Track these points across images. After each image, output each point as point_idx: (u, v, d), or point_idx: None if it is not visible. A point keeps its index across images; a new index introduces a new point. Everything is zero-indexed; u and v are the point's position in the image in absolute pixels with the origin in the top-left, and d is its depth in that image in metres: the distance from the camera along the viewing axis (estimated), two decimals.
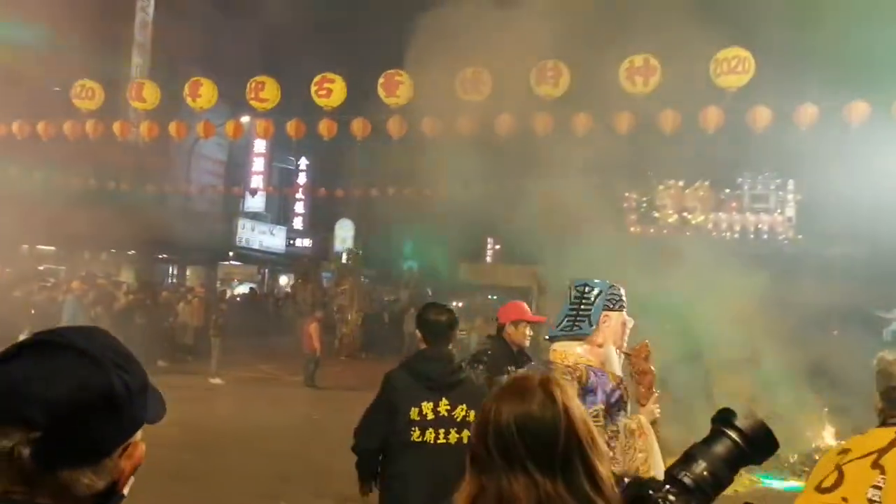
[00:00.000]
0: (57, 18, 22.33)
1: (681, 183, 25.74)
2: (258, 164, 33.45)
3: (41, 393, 1.10)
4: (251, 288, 33.25)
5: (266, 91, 12.48)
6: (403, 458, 3.76)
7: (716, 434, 1.57)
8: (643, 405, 3.41)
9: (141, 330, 17.32)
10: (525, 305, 5.17)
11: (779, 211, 26.00)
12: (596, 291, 3.32)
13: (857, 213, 20.53)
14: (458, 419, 3.78)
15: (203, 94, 12.84)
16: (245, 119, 16.09)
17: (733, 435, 1.55)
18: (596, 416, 2.99)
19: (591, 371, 3.14)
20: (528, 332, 5.06)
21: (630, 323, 3.48)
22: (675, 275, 12.52)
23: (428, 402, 3.76)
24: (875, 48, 13.38)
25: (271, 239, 35.09)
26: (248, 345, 19.49)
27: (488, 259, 40.07)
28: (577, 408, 1.45)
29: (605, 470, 1.42)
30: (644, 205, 25.94)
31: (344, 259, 24.81)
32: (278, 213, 36.49)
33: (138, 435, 1.23)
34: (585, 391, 3.06)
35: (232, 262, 33.86)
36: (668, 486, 1.45)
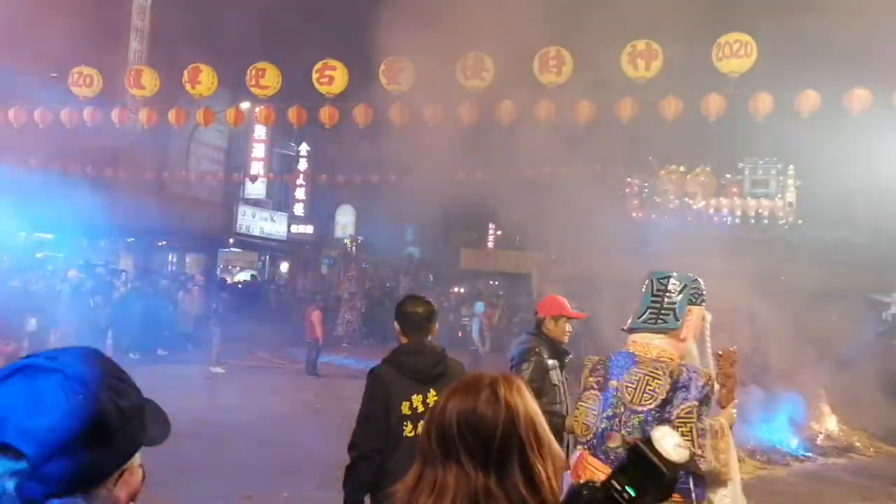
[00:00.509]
0: (54, 3, 22.22)
1: (682, 168, 25.68)
2: (258, 151, 33.32)
3: (25, 421, 1.05)
4: (251, 275, 33.24)
5: (267, 78, 12.42)
6: (396, 454, 3.67)
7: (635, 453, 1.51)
8: (723, 407, 3.40)
9: (140, 318, 17.33)
10: (564, 300, 5.07)
11: (779, 196, 25.93)
12: (680, 285, 3.29)
13: (857, 198, 20.53)
14: None
15: (203, 80, 12.77)
16: (245, 106, 16.03)
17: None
18: (689, 412, 2.98)
19: (683, 367, 3.12)
20: (568, 327, 5.00)
21: (709, 317, 3.47)
22: (675, 258, 12.54)
23: (417, 395, 3.74)
24: (876, 36, 13.33)
25: (272, 225, 35.02)
26: (249, 332, 19.53)
27: (490, 245, 40.11)
28: (523, 406, 1.45)
29: (546, 470, 1.43)
30: (646, 190, 25.89)
31: (348, 245, 24.79)
32: (279, 199, 36.40)
33: (136, 459, 1.19)
34: (677, 387, 3.04)
35: (232, 249, 33.79)
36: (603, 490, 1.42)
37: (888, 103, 10.62)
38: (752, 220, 25.02)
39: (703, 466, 2.99)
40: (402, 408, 3.71)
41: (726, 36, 10.46)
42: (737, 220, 25.05)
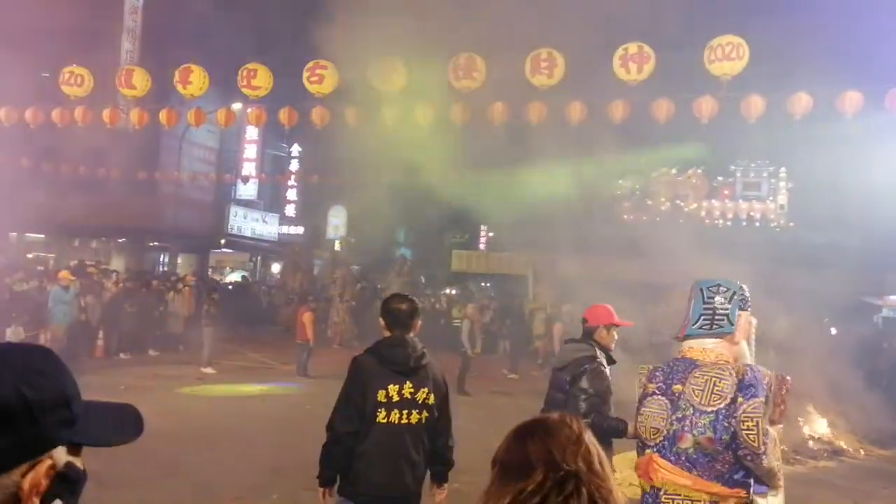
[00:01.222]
0: (45, 4, 22.12)
1: (674, 170, 25.77)
2: (250, 152, 33.27)
3: None
4: (243, 276, 33.15)
5: (258, 78, 12.39)
6: (368, 437, 3.97)
7: None
8: (772, 424, 3.57)
9: (131, 318, 17.26)
10: (612, 308, 5.14)
11: (771, 198, 26.04)
12: (730, 292, 3.45)
13: (849, 201, 20.61)
14: (420, 401, 4.05)
15: (194, 81, 12.73)
16: (237, 106, 15.98)
17: None
18: (756, 407, 3.12)
19: (748, 367, 3.27)
20: (615, 335, 5.09)
21: (754, 321, 3.69)
22: (667, 260, 12.58)
23: (394, 384, 4.01)
24: (869, 39, 13.38)
25: (263, 226, 34.97)
26: (240, 333, 19.45)
27: (482, 247, 40.09)
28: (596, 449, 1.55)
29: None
30: (637, 192, 25.95)
31: (336, 247, 24.75)
32: (270, 200, 36.36)
33: (59, 454, 1.16)
34: (743, 385, 3.17)
35: (223, 250, 33.73)
36: None
37: (880, 106, 10.65)
38: (744, 223, 25.12)
39: (765, 463, 3.14)
40: (378, 395, 3.97)
41: (718, 38, 10.47)
42: (728, 223, 25.15)
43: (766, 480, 3.33)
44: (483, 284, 33.04)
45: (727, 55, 10.38)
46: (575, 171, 23.36)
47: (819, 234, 22.49)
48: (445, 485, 4.31)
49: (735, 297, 3.44)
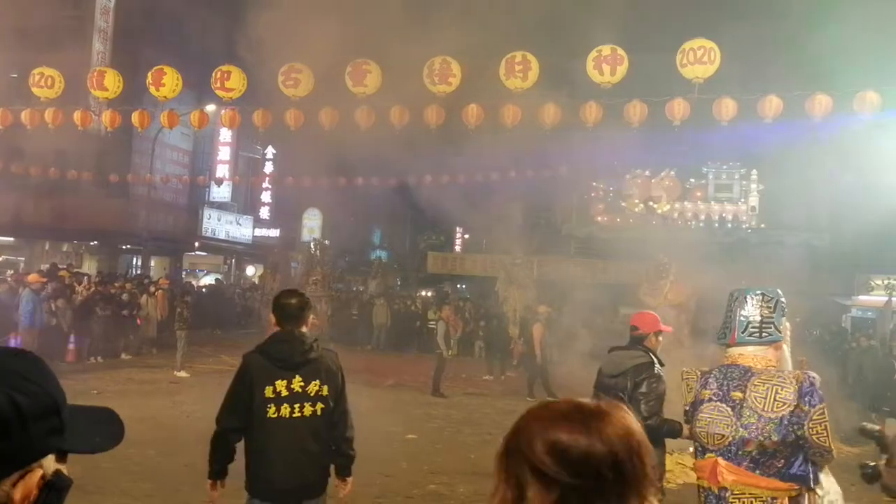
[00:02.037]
0: (14, 3, 21.83)
1: (647, 172, 25.98)
2: (224, 154, 33.06)
3: None
4: (217, 279, 32.92)
5: (232, 80, 12.32)
6: (262, 434, 4.06)
7: None
8: None
9: (103, 322, 17.07)
10: (657, 315, 5.58)
11: (742, 200, 26.35)
12: (773, 300, 3.65)
13: (818, 202, 20.91)
14: (312, 394, 4.10)
15: (167, 82, 12.63)
16: (210, 108, 15.89)
17: None
18: (822, 412, 3.35)
19: (805, 375, 3.48)
20: (661, 340, 5.42)
21: (789, 327, 3.87)
22: (641, 262, 12.73)
23: (282, 380, 4.07)
24: (837, 44, 13.59)
25: (237, 229, 34.75)
26: (214, 336, 19.30)
27: (457, 248, 40.15)
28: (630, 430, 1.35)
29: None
30: (611, 194, 26.14)
31: (312, 249, 24.67)
32: (245, 202, 36.14)
33: (48, 462, 1.14)
34: (803, 392, 3.38)
35: (197, 253, 33.46)
36: None
37: (848, 108, 10.81)
38: (716, 224, 25.39)
39: (830, 459, 3.47)
40: (265, 391, 4.05)
41: (690, 42, 10.58)
42: (701, 224, 25.40)
43: (822, 469, 3.64)
44: (458, 286, 33.10)
45: (699, 59, 10.49)
46: (550, 171, 23.50)
47: (789, 234, 22.78)
48: (349, 478, 4.35)
49: (778, 305, 3.63)
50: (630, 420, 1.32)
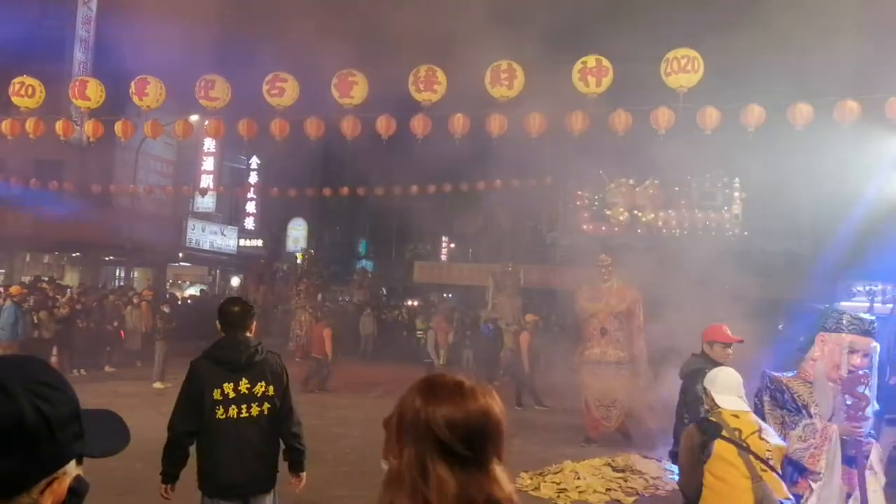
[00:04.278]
0: None
1: (631, 181, 26.09)
2: (208, 164, 32.91)
3: None
4: (202, 289, 32.72)
5: (216, 89, 12.26)
6: (212, 435, 4.27)
7: None
8: None
9: (86, 335, 16.92)
10: (725, 328, 5.76)
11: (726, 208, 26.50)
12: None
13: (800, 210, 21.08)
14: (259, 394, 4.32)
15: (150, 92, 12.55)
16: (194, 118, 15.80)
17: None
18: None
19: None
20: (729, 350, 5.64)
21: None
22: (628, 272, 12.74)
23: (228, 382, 4.29)
24: (818, 53, 13.73)
25: (222, 239, 34.57)
26: (199, 348, 19.14)
27: (443, 258, 40.15)
28: (498, 407, 1.66)
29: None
30: (596, 202, 26.22)
31: (298, 259, 24.60)
32: (229, 213, 35.98)
33: (72, 469, 1.14)
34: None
35: (181, 264, 33.26)
36: None
37: (829, 117, 10.92)
38: (700, 232, 25.50)
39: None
40: (214, 393, 4.27)
41: (674, 51, 10.66)
42: (685, 232, 25.51)
43: None
44: (445, 295, 33.07)
45: (683, 68, 10.58)
46: (536, 180, 23.57)
47: (772, 242, 22.94)
48: (302, 473, 4.58)
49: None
50: (489, 397, 1.64)
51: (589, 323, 11.77)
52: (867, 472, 4.41)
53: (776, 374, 4.71)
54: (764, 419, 4.37)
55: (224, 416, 4.24)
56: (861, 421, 4.31)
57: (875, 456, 4.45)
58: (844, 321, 4.39)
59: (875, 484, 4.43)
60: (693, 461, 3.97)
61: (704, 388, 4.25)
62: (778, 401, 4.59)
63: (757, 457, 3.82)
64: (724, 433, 3.89)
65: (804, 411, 4.46)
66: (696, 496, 3.94)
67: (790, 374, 4.64)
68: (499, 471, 1.61)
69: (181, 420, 4.37)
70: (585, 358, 11.78)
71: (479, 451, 1.58)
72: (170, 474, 4.47)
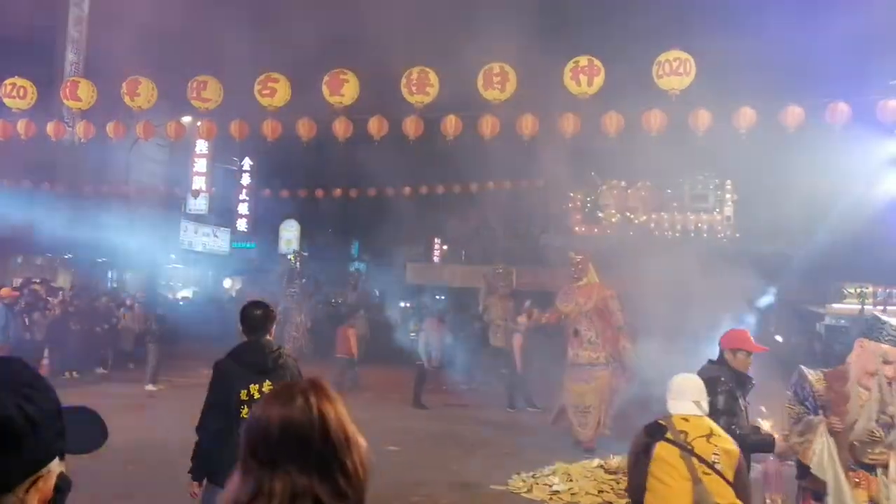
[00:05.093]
0: None
1: (623, 183, 26.14)
2: (200, 165, 32.82)
3: None
4: (194, 291, 32.67)
5: (208, 90, 12.23)
6: (234, 433, 4.25)
7: None
8: None
9: (78, 337, 16.86)
10: (748, 334, 5.39)
11: (717, 210, 26.57)
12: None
13: (792, 212, 21.14)
14: None
15: (142, 93, 12.50)
16: (186, 119, 15.77)
17: None
18: None
19: None
20: (751, 359, 5.22)
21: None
22: (622, 273, 12.75)
23: (254, 384, 4.42)
24: (809, 56, 13.79)
25: (214, 241, 34.52)
26: (192, 349, 19.08)
27: (435, 259, 40.11)
28: (333, 411, 1.59)
29: (355, 463, 1.57)
30: (588, 204, 26.26)
31: (291, 261, 24.56)
32: (222, 214, 35.90)
33: (55, 467, 1.15)
34: None
35: (174, 265, 33.20)
36: None
37: (821, 119, 10.97)
38: (692, 234, 25.57)
39: None
40: (241, 394, 4.40)
41: (666, 54, 10.68)
42: (677, 234, 25.56)
43: None
44: (437, 297, 33.04)
45: (675, 70, 10.58)
46: (529, 182, 23.59)
47: (764, 244, 23.00)
48: None
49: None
50: (311, 398, 1.58)
51: (565, 325, 11.60)
52: (890, 483, 4.39)
53: (809, 370, 4.81)
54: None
55: (246, 428, 4.31)
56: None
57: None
58: (885, 330, 4.46)
59: None
60: (636, 463, 3.98)
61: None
62: (799, 396, 4.76)
63: (701, 460, 3.79)
64: (668, 435, 3.88)
65: (820, 412, 4.57)
66: (640, 498, 3.94)
67: (823, 371, 4.77)
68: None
69: (212, 420, 4.48)
70: (567, 361, 11.62)
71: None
72: (200, 473, 4.53)
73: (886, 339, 4.39)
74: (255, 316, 4.63)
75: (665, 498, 3.81)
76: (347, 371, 16.38)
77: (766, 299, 15.99)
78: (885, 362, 4.38)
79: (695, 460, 3.78)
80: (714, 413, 4.79)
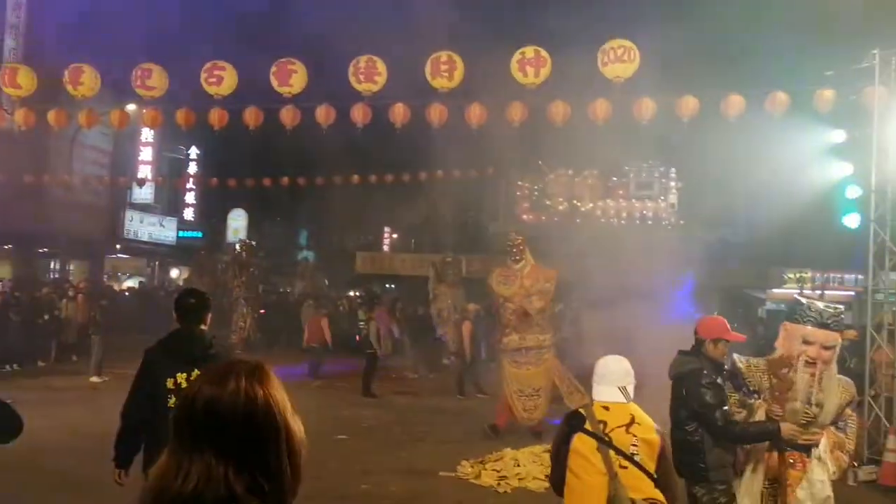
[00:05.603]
0: None
1: (570, 171, 26.47)
2: (146, 154, 32.17)
3: None
4: (140, 281, 32.10)
5: (153, 78, 12.01)
6: (163, 424, 4.22)
7: None
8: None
9: (18, 329, 16.48)
10: (725, 322, 5.16)
11: (662, 198, 27.06)
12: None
13: (734, 199, 21.63)
14: None
15: (85, 81, 12.22)
16: (131, 107, 15.45)
17: None
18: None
19: None
20: (724, 348, 5.02)
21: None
22: (565, 260, 12.94)
23: (182, 373, 4.38)
24: (749, 46, 14.12)
25: (161, 231, 33.92)
26: (138, 340, 18.79)
27: (385, 248, 40.06)
28: (265, 396, 1.49)
29: (282, 457, 1.47)
30: (536, 193, 26.52)
31: (237, 250, 24.28)
32: (168, 204, 35.29)
33: None
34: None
35: (119, 256, 32.57)
36: None
37: (760, 108, 11.24)
38: (638, 221, 26.01)
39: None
40: (167, 383, 4.39)
41: (610, 42, 10.83)
42: (623, 222, 25.99)
43: None
44: (387, 286, 33.03)
45: (619, 58, 10.75)
46: (477, 171, 23.69)
47: (708, 230, 23.52)
48: None
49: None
50: (243, 381, 1.49)
51: (505, 308, 11.22)
52: (813, 461, 4.52)
53: (740, 357, 4.90)
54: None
55: (175, 406, 4.31)
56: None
57: (824, 444, 4.55)
58: (806, 313, 4.52)
59: (822, 473, 4.51)
60: (557, 454, 3.86)
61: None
62: (735, 384, 4.85)
63: (619, 451, 3.63)
64: (587, 426, 3.70)
65: (755, 395, 4.70)
66: (562, 491, 3.82)
67: (757, 359, 4.80)
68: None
69: (135, 408, 4.48)
70: (504, 346, 11.28)
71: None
72: (124, 460, 4.54)
73: (807, 320, 4.50)
74: (188, 304, 4.62)
75: (580, 494, 3.69)
76: (323, 359, 17.04)
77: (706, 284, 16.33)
78: (806, 342, 4.48)
79: (612, 452, 3.63)
80: (706, 408, 4.66)
